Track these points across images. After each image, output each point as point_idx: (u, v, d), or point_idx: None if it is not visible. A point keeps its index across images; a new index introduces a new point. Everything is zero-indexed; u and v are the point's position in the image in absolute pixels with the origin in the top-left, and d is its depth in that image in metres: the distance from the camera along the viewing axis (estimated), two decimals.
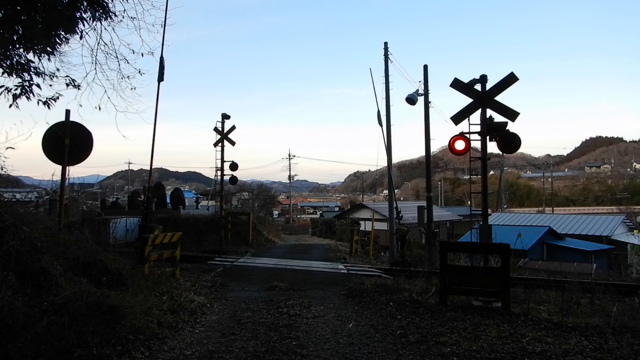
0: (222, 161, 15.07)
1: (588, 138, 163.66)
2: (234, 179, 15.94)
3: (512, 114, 7.37)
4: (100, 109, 7.86)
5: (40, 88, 6.97)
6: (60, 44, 7.07)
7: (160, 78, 9.75)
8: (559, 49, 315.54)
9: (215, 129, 15.19)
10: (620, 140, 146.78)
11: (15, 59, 6.78)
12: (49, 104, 7.06)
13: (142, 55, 7.88)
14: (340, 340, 5.25)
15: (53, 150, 7.72)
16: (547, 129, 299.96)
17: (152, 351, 4.62)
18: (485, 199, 7.84)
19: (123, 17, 7.52)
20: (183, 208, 23.73)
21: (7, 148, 6.66)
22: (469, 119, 7.64)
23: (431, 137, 16.68)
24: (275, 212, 59.05)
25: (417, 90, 17.50)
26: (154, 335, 4.99)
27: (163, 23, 8.86)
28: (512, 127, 7.42)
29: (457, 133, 7.64)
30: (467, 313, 6.32)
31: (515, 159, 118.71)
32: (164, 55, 9.44)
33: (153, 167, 10.43)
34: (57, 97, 7.17)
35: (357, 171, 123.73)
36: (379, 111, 16.89)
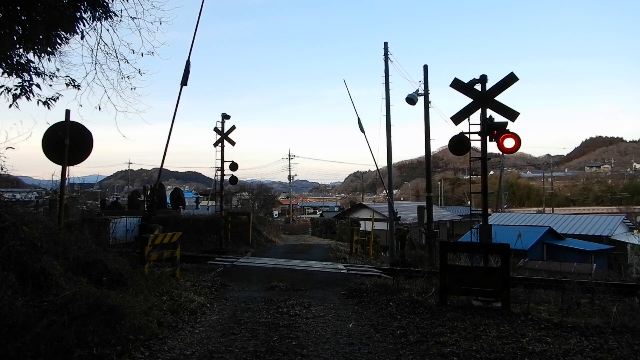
0: (222, 161, 15.07)
1: (588, 138, 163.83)
2: (234, 179, 15.93)
3: (512, 114, 7.37)
4: (100, 109, 7.87)
5: (40, 88, 6.98)
6: (60, 44, 7.06)
7: (184, 82, 9.78)
8: (560, 49, 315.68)
9: (215, 129, 15.19)
10: (620, 140, 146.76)
11: (15, 59, 6.78)
12: (49, 104, 7.06)
13: (142, 55, 7.88)
14: (340, 340, 5.25)
15: (53, 150, 7.71)
16: (547, 129, 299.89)
17: (152, 351, 4.62)
18: (485, 199, 7.84)
19: (123, 17, 7.53)
20: (183, 208, 23.74)
21: (7, 148, 6.66)
22: (469, 119, 7.64)
23: (431, 137, 16.71)
24: (275, 212, 59.06)
25: (417, 90, 17.51)
26: (154, 335, 4.99)
27: (196, 26, 8.86)
28: (512, 127, 7.43)
29: (457, 133, 7.64)
30: (467, 313, 6.32)
31: (515, 159, 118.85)
32: (190, 60, 9.59)
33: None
34: (57, 97, 7.17)
35: (357, 171, 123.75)
36: (359, 119, 16.20)
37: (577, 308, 6.58)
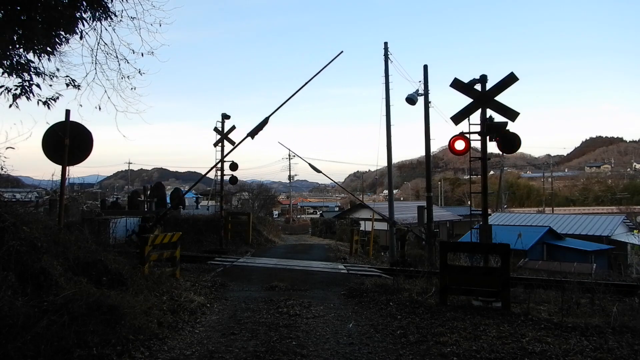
0: (222, 161, 15.07)
1: (588, 138, 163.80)
2: (234, 179, 15.92)
3: (512, 114, 7.37)
4: (100, 109, 7.86)
5: (40, 88, 6.97)
6: (60, 44, 7.06)
7: (252, 135, 9.93)
8: (560, 48, 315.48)
9: (215, 129, 15.19)
10: (620, 140, 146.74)
11: (15, 59, 6.78)
12: (49, 104, 7.05)
13: (142, 55, 7.87)
14: (340, 340, 5.25)
15: (53, 150, 7.71)
16: (547, 129, 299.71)
17: (152, 351, 4.62)
18: (485, 199, 7.84)
19: (123, 17, 7.52)
20: (183, 208, 23.75)
21: (7, 148, 6.66)
22: (469, 119, 7.64)
23: (431, 137, 16.68)
24: (275, 212, 59.07)
25: (417, 90, 17.51)
26: (154, 335, 4.99)
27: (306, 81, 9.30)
28: (512, 127, 7.43)
29: (457, 133, 7.64)
30: (467, 313, 6.32)
31: (515, 159, 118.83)
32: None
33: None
34: (57, 97, 7.17)
35: (357, 171, 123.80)
36: (310, 164, 15.98)
37: (577, 308, 6.58)
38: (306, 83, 10.83)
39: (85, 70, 9.57)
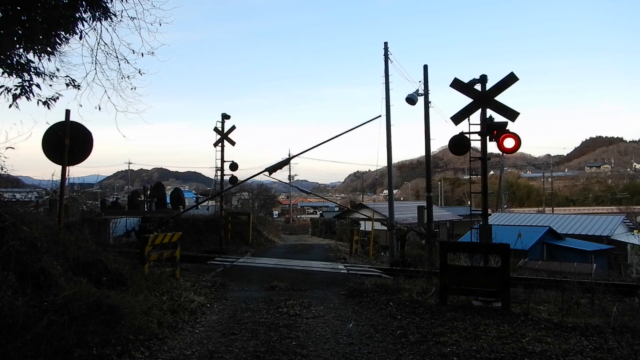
0: (222, 161, 15.07)
1: (588, 138, 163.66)
2: (234, 179, 15.93)
3: (512, 114, 7.37)
4: (100, 109, 7.85)
5: (40, 88, 6.97)
6: (60, 44, 7.06)
7: (269, 171, 10.05)
8: (560, 48, 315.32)
9: (215, 129, 15.20)
10: (620, 140, 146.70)
11: (15, 59, 6.78)
12: (49, 104, 7.05)
13: (142, 55, 7.86)
14: (340, 340, 5.25)
15: (53, 150, 7.72)
16: (547, 129, 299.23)
17: (152, 351, 4.62)
18: (485, 199, 7.84)
19: (122, 17, 7.52)
20: (183, 208, 23.75)
21: (7, 148, 6.67)
22: (469, 119, 7.65)
23: (431, 137, 16.68)
24: (275, 212, 59.13)
25: (417, 90, 17.51)
26: (154, 335, 4.99)
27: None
28: (512, 127, 7.43)
29: (457, 133, 7.64)
30: (467, 313, 6.32)
31: (515, 159, 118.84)
32: None
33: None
34: (57, 97, 7.17)
35: (357, 171, 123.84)
36: (299, 188, 17.08)
37: (577, 308, 6.58)
38: (337, 135, 12.34)
39: (85, 70, 9.55)
